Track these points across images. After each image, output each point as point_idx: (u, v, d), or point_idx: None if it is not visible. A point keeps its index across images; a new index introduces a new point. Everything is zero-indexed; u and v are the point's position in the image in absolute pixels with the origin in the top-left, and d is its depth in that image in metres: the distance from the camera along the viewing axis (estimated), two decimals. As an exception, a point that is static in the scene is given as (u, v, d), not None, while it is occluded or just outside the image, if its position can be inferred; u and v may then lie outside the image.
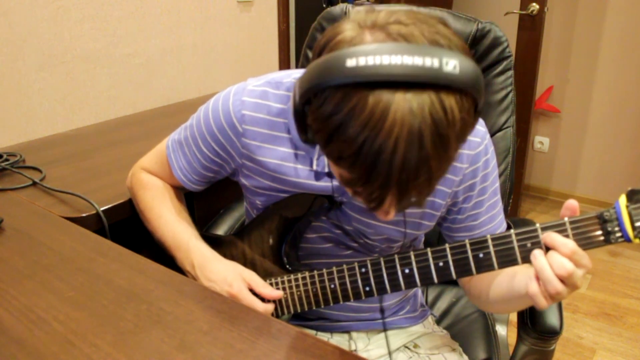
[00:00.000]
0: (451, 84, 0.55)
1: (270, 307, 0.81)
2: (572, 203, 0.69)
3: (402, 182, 0.58)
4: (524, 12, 2.49)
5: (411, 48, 0.55)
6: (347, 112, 0.56)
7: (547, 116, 3.06)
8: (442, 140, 0.56)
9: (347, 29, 0.60)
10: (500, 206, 0.90)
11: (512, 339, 1.01)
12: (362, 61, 0.55)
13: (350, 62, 0.55)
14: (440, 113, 0.55)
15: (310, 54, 1.29)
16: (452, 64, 0.55)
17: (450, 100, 0.56)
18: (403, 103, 0.54)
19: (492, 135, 1.15)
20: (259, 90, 0.84)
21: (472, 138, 0.82)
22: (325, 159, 0.81)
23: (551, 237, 0.68)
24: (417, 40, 0.57)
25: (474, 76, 0.57)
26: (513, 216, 2.37)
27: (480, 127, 0.83)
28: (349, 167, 0.59)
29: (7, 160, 1.23)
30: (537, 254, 0.68)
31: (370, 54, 0.55)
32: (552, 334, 0.93)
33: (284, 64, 2.36)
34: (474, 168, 0.83)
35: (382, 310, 0.96)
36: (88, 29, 1.56)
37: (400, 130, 0.55)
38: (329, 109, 0.58)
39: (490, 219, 0.88)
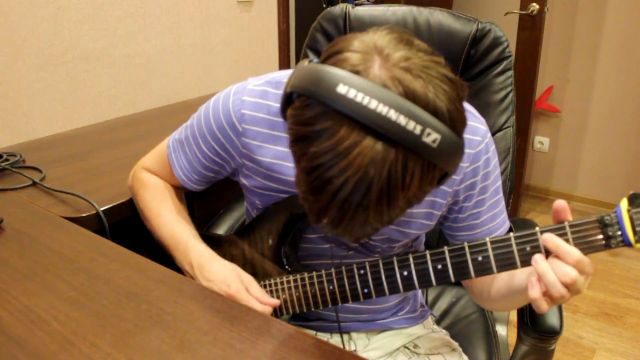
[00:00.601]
0: (423, 154, 0.55)
1: (268, 310, 0.81)
2: (560, 203, 0.68)
3: (337, 217, 0.59)
4: (524, 12, 2.49)
5: (403, 105, 0.54)
6: (318, 129, 0.56)
7: (547, 116, 3.06)
8: (389, 199, 0.56)
9: (358, 50, 0.58)
10: (502, 205, 0.90)
11: (512, 339, 1.01)
12: (351, 94, 0.55)
13: (341, 89, 0.55)
14: (399, 174, 0.55)
15: (310, 54, 1.28)
16: (433, 137, 0.55)
17: (415, 166, 0.56)
18: (368, 150, 0.54)
19: (492, 135, 1.15)
20: (259, 89, 0.84)
21: (472, 137, 0.82)
22: None
23: (555, 243, 0.66)
24: (415, 98, 0.55)
25: (451, 154, 0.57)
26: (513, 216, 2.37)
27: (481, 125, 0.83)
28: (301, 175, 0.60)
29: (7, 160, 1.23)
30: (539, 259, 0.67)
31: (361, 91, 0.54)
32: (552, 334, 0.93)
33: (284, 64, 2.36)
34: (474, 167, 0.83)
35: (337, 313, 0.95)
36: (88, 29, 1.56)
37: (353, 172, 0.55)
38: (306, 116, 0.58)
39: (492, 218, 0.88)
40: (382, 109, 0.54)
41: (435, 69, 0.58)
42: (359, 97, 0.54)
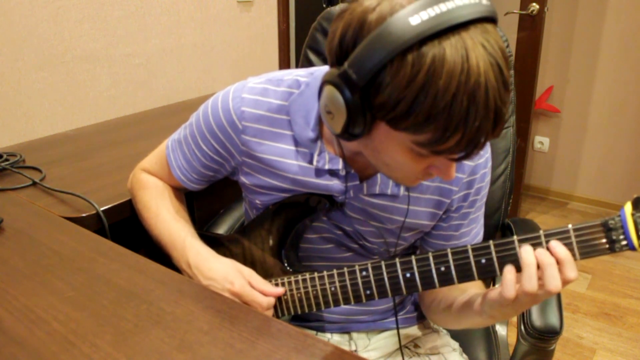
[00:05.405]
0: (492, 15, 0.60)
1: (272, 301, 0.81)
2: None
3: (498, 110, 0.59)
4: (524, 12, 2.49)
5: None
6: (427, 69, 0.56)
7: (547, 116, 3.06)
8: (507, 63, 0.60)
9: (372, 2, 0.60)
10: (481, 223, 0.92)
11: (512, 339, 1.01)
12: (424, 15, 0.56)
13: (414, 20, 0.56)
14: (499, 39, 0.59)
15: (310, 54, 1.28)
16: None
17: (492, 27, 0.60)
18: (472, 41, 0.57)
19: (492, 135, 1.16)
20: (259, 87, 0.84)
21: None
22: (326, 155, 0.81)
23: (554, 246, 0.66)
24: None
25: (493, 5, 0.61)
26: (513, 216, 2.37)
27: None
28: (444, 120, 0.59)
29: (7, 160, 1.24)
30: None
31: (428, 6, 0.56)
32: (552, 334, 0.93)
33: (284, 64, 2.36)
34: (471, 179, 0.84)
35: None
36: (88, 29, 1.56)
37: (485, 64, 0.57)
38: (407, 74, 0.57)
39: (469, 232, 0.90)
40: (450, 4, 0.56)
41: None
42: (431, 12, 0.56)
